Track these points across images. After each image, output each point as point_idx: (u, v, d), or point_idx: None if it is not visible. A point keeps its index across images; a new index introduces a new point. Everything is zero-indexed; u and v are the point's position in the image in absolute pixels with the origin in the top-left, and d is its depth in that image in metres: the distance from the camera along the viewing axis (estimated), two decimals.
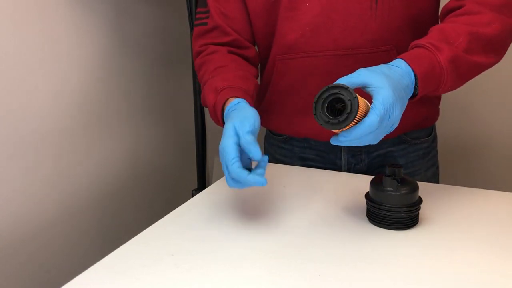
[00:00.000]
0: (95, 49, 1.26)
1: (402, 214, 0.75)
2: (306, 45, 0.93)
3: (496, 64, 0.86)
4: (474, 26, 0.81)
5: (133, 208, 1.47)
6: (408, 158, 1.04)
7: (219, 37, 1.01)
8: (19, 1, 1.03)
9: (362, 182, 0.90)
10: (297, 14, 0.93)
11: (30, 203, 1.11)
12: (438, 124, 1.09)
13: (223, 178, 1.00)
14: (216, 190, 0.94)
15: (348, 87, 0.66)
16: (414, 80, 0.76)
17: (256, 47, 1.05)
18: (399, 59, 0.78)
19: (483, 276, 0.64)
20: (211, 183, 0.99)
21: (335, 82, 0.70)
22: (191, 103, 1.48)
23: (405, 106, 0.74)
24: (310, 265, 0.67)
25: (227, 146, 0.73)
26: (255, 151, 0.72)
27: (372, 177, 0.80)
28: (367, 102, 0.71)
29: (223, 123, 0.84)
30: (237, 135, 0.74)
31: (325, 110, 0.68)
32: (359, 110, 0.66)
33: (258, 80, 1.00)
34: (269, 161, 0.99)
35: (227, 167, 0.73)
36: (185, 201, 0.89)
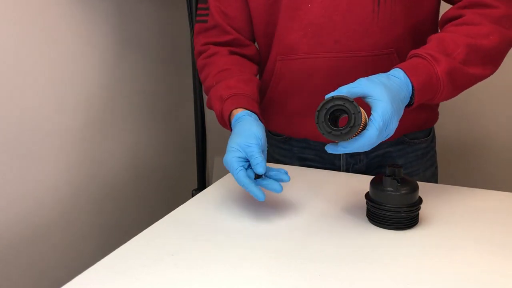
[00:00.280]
0: (95, 49, 1.27)
1: (402, 214, 0.75)
2: (307, 46, 0.93)
3: None
4: (473, 38, 0.82)
5: (133, 208, 1.47)
6: (407, 158, 1.05)
7: (219, 35, 1.01)
8: (19, 1, 1.03)
9: (362, 182, 0.90)
10: (298, 15, 0.92)
11: (30, 203, 1.11)
12: (437, 124, 1.09)
13: (223, 178, 1.00)
14: (216, 190, 0.94)
15: (353, 101, 0.68)
16: (411, 91, 0.78)
17: (256, 45, 1.06)
18: (398, 68, 0.79)
19: (483, 276, 0.64)
20: (211, 183, 0.99)
21: (335, 92, 0.72)
22: (191, 103, 1.48)
23: (400, 116, 0.76)
24: (310, 265, 0.67)
25: (230, 158, 0.79)
26: (259, 168, 0.77)
27: (372, 177, 0.80)
28: (365, 114, 0.72)
29: (231, 129, 0.89)
30: (240, 151, 0.79)
31: (327, 119, 0.70)
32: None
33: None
34: (268, 161, 1.00)
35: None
36: (185, 201, 0.89)
